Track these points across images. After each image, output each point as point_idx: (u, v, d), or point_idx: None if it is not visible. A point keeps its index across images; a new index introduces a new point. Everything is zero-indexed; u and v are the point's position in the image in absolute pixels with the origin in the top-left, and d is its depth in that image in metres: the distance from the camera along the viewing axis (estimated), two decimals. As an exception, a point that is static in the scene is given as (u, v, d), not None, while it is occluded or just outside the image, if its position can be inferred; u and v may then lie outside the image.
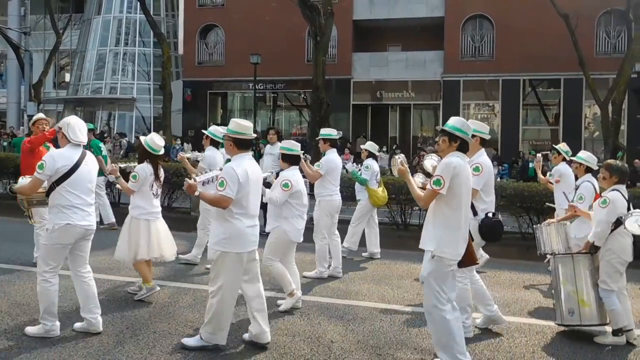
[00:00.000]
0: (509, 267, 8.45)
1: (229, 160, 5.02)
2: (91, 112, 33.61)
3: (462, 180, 4.36)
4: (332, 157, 7.55)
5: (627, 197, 5.36)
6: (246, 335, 5.03)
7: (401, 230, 10.59)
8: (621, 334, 5.26)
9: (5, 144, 22.77)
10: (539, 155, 8.00)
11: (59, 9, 34.45)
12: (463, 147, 4.47)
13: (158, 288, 6.22)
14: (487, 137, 5.51)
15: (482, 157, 5.38)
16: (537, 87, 26.58)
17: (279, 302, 5.98)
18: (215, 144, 7.57)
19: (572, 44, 20.21)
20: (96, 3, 34.05)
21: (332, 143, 7.68)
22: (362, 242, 8.84)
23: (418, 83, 26.98)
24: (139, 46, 33.41)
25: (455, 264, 4.43)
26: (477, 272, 8.16)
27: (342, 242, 7.98)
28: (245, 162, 4.78)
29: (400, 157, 4.74)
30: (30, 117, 26.43)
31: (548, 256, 6.02)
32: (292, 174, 5.99)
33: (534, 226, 7.09)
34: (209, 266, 7.49)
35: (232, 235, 4.70)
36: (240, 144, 4.83)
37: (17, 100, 34.86)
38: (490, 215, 5.27)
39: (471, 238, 4.67)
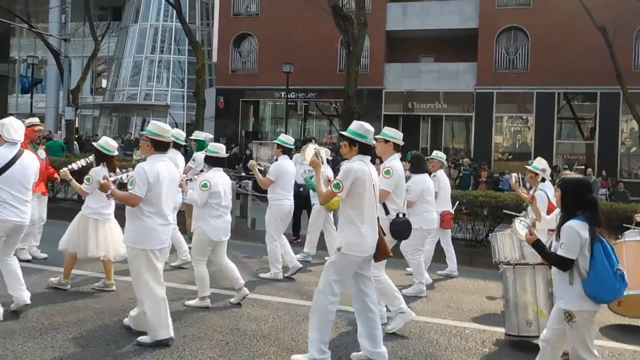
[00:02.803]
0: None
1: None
2: (126, 117, 34.31)
3: (364, 182, 4.58)
4: (282, 162, 7.88)
5: None
6: (126, 320, 5.28)
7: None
8: None
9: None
10: (514, 175, 7.46)
11: (98, 17, 35.25)
12: (364, 150, 4.68)
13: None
14: (401, 143, 5.93)
15: (394, 162, 5.81)
16: (572, 101, 26.14)
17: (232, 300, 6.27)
18: (177, 146, 8.13)
19: (609, 57, 19.87)
20: (134, 11, 34.81)
21: (285, 150, 7.97)
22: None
23: (450, 94, 26.80)
24: (174, 54, 34.01)
25: (362, 261, 4.65)
26: (450, 277, 8.30)
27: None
28: (158, 163, 5.00)
29: (316, 148, 5.01)
30: (68, 122, 27.07)
31: (502, 265, 5.86)
32: (213, 176, 6.21)
33: (489, 235, 7.10)
34: (263, 275, 7.72)
35: (144, 232, 4.90)
36: (157, 146, 5.05)
37: (56, 105, 35.72)
38: (400, 215, 5.73)
39: (383, 233, 4.92)
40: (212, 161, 6.39)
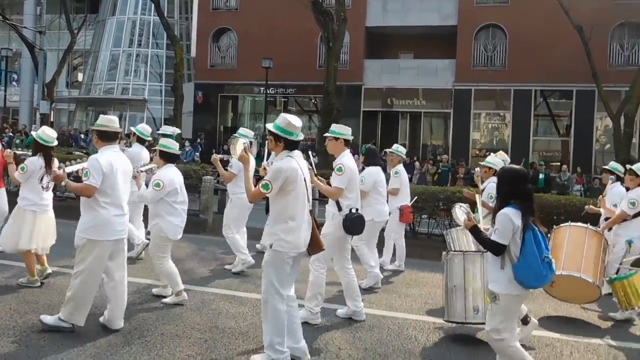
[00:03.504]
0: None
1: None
2: (103, 112, 33.80)
3: (295, 180, 4.51)
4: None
5: None
6: (101, 318, 5.26)
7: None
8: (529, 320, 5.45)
9: (18, 141, 22.92)
10: (477, 169, 7.73)
11: (74, 9, 34.75)
12: (290, 146, 4.60)
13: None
14: (350, 138, 5.96)
15: (345, 158, 5.80)
16: (549, 98, 26.47)
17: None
18: (142, 141, 8.23)
19: (585, 55, 20.14)
20: (111, 4, 34.29)
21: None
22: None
23: (429, 91, 26.96)
24: (152, 48, 33.61)
25: (295, 256, 4.59)
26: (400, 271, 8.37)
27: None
28: (110, 154, 5.06)
29: (246, 142, 4.95)
30: (43, 115, 26.66)
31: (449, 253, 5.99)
32: (166, 172, 6.14)
33: (445, 231, 7.28)
34: (229, 267, 7.69)
35: (98, 223, 4.95)
36: (104, 137, 5.13)
37: (30, 99, 35.15)
38: (353, 210, 5.69)
39: (318, 227, 4.89)
40: (166, 156, 6.24)
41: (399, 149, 8.69)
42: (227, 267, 7.96)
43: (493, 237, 4.06)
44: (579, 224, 6.78)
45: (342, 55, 24.34)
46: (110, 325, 5.16)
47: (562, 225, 6.82)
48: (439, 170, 21.60)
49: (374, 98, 27.58)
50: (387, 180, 8.09)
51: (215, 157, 7.85)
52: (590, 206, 7.87)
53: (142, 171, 6.41)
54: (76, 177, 5.31)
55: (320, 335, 5.42)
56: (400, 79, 26.94)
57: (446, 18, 26.68)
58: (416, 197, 9.15)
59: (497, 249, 4.05)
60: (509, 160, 7.35)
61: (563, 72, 23.53)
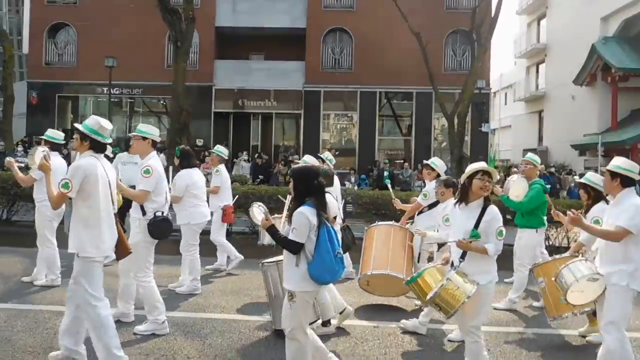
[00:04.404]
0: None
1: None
2: None
3: (96, 180, 4.43)
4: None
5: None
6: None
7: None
8: (329, 324, 5.71)
9: None
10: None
11: None
12: (97, 147, 4.55)
13: None
14: (158, 139, 5.78)
15: (152, 160, 5.61)
16: (392, 100, 28.00)
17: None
18: (57, 148, 7.38)
19: (423, 59, 21.57)
20: None
21: (53, 146, 7.27)
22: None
23: (280, 92, 27.25)
24: (-23, 42, 30.37)
25: (104, 260, 4.56)
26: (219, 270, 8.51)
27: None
28: None
29: (45, 151, 5.08)
30: None
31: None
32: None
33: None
34: (39, 283, 7.07)
35: None
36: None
37: None
38: (158, 214, 5.54)
39: (123, 230, 4.85)
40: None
41: (219, 148, 8.65)
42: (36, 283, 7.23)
43: (291, 236, 4.08)
44: (385, 222, 7.23)
45: (192, 55, 23.80)
46: None
47: (371, 225, 7.22)
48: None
49: (225, 99, 27.30)
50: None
51: (10, 160, 6.87)
52: (395, 200, 7.81)
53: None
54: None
55: (169, 344, 5.19)
56: (252, 80, 26.94)
57: (295, 20, 27.14)
58: (237, 196, 9.07)
59: (295, 248, 4.08)
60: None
61: (404, 74, 25.05)
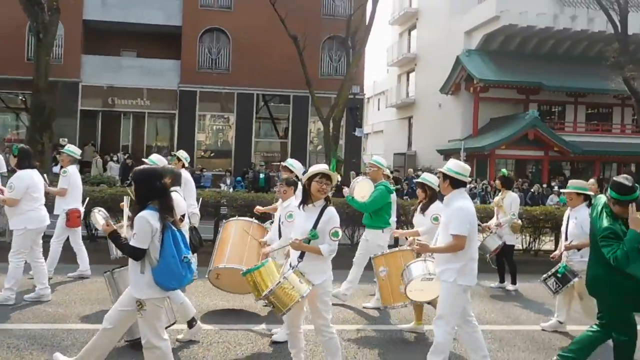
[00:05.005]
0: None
1: None
2: None
3: None
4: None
5: None
6: None
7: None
8: (195, 323, 5.56)
9: None
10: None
11: None
12: None
13: None
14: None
15: None
16: (270, 102, 28.05)
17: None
18: None
19: (300, 63, 21.80)
20: None
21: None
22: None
23: (154, 91, 26.32)
24: None
25: None
26: (82, 277, 8.11)
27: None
28: None
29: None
30: None
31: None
32: None
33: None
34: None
35: None
36: None
37: None
38: None
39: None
40: None
41: (69, 148, 8.11)
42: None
43: (132, 242, 3.94)
44: (246, 218, 7.18)
45: (56, 48, 22.34)
46: None
47: (230, 219, 7.12)
48: (166, 172, 21.17)
49: (94, 96, 25.86)
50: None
51: None
52: (258, 208, 7.55)
53: None
54: None
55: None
56: (123, 77, 25.75)
57: (170, 17, 26.35)
58: (88, 199, 8.52)
59: (137, 254, 3.95)
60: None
61: (282, 77, 25.21)
